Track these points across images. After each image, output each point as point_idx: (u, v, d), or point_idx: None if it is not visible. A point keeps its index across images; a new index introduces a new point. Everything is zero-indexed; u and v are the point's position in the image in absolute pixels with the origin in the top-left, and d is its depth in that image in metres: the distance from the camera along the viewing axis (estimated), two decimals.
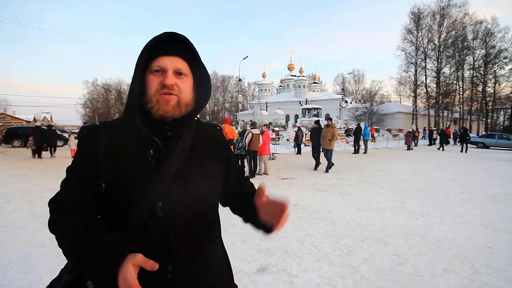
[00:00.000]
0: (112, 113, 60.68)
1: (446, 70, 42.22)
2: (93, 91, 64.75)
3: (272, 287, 2.50)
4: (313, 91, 60.46)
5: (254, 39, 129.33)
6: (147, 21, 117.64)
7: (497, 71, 38.09)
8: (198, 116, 0.96)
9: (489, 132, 31.13)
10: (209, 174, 0.88)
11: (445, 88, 41.45)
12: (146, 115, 0.80)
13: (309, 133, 11.30)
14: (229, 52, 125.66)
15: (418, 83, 42.64)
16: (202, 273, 0.82)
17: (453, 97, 42.15)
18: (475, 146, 22.59)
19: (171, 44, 0.82)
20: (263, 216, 0.85)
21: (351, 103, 49.41)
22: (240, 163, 8.15)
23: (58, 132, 19.51)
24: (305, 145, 17.11)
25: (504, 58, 36.90)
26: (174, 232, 0.77)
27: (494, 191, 6.41)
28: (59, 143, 17.61)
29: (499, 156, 15.65)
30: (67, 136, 20.31)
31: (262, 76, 67.82)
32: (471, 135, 24.51)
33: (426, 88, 42.22)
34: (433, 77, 42.11)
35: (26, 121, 35.41)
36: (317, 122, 10.00)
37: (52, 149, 13.47)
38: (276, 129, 27.99)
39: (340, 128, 27.39)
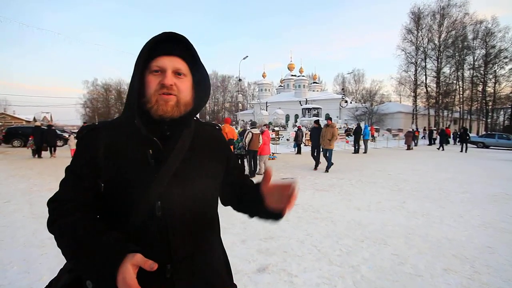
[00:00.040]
0: (112, 113, 60.67)
1: (446, 70, 42.30)
2: (93, 91, 64.82)
3: (272, 287, 2.50)
4: (313, 91, 60.47)
5: (254, 39, 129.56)
6: (147, 21, 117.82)
7: (497, 71, 38.12)
8: (198, 116, 0.96)
9: (489, 132, 31.13)
10: (209, 174, 0.88)
11: (445, 88, 41.45)
12: (145, 115, 0.80)
13: (309, 133, 11.30)
14: (229, 52, 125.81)
15: (418, 83, 42.65)
16: (201, 273, 0.82)
17: (453, 97, 42.15)
18: (475, 146, 22.59)
19: (170, 44, 0.82)
20: (270, 203, 0.84)
21: (351, 103, 49.41)
22: (240, 163, 8.15)
23: (58, 132, 19.51)
24: (305, 145, 17.11)
25: (504, 58, 36.90)
26: (173, 232, 0.77)
27: (494, 191, 6.41)
28: (59, 143, 17.60)
29: (499, 156, 15.65)
30: (67, 136, 20.32)
31: (262, 76, 67.83)
32: (471, 135, 24.53)
33: (426, 88, 42.23)
34: (433, 77, 42.11)
35: (26, 121, 35.42)
36: (317, 121, 10.00)
37: (52, 149, 13.47)
38: (276, 129, 28.00)
39: (340, 128, 27.39)
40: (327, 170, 8.90)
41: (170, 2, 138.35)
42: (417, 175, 8.52)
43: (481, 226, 4.11)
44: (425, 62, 42.25)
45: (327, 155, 9.03)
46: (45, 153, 13.33)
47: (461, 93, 42.38)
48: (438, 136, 21.09)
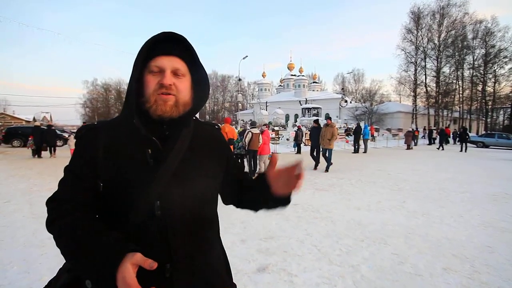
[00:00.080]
0: (112, 113, 60.66)
1: (446, 69, 42.30)
2: (93, 91, 64.83)
3: (272, 287, 2.50)
4: (313, 90, 60.46)
5: (254, 39, 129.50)
6: (147, 21, 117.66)
7: (496, 70, 38.09)
8: (197, 115, 0.96)
9: (488, 132, 31.14)
10: (208, 173, 0.88)
11: (444, 88, 41.44)
12: (144, 115, 0.80)
13: (309, 132, 11.31)
14: (229, 52, 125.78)
15: (418, 82, 42.64)
16: (201, 272, 0.82)
17: (452, 96, 42.15)
18: (475, 146, 22.59)
19: (169, 44, 0.82)
20: (277, 189, 0.86)
21: (350, 102, 49.43)
22: (239, 162, 8.14)
23: (58, 132, 19.51)
24: (305, 145, 17.11)
25: (504, 58, 36.88)
26: (172, 232, 0.77)
27: (494, 191, 6.41)
28: (58, 143, 17.60)
29: (499, 155, 15.66)
30: (66, 136, 20.33)
31: (262, 75, 67.82)
32: (470, 134, 24.53)
33: (425, 87, 42.23)
34: (433, 76, 42.12)
35: (26, 121, 35.38)
36: (316, 121, 10.00)
37: (52, 149, 13.47)
38: (276, 128, 28.00)
39: (340, 128, 27.40)
40: (327, 170, 8.90)
41: (170, 2, 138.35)
42: (417, 174, 8.52)
43: (481, 225, 4.11)
44: (425, 62, 42.29)
45: (327, 154, 9.03)
46: (45, 153, 13.33)
47: (460, 92, 42.39)
48: (438, 136, 21.09)
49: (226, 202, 1.05)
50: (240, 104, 45.16)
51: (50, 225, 0.76)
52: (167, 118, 0.80)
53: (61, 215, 0.75)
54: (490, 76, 38.67)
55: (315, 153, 9.50)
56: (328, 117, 10.96)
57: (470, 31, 39.59)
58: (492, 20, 37.71)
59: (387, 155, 14.67)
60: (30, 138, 13.24)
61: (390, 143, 22.43)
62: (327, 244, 3.39)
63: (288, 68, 66.30)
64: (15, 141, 19.07)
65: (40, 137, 12.91)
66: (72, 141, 12.85)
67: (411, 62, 42.66)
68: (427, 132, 25.86)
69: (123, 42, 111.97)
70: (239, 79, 41.23)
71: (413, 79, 42.78)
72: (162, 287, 0.70)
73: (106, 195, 0.79)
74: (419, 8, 41.60)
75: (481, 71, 39.06)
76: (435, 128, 30.41)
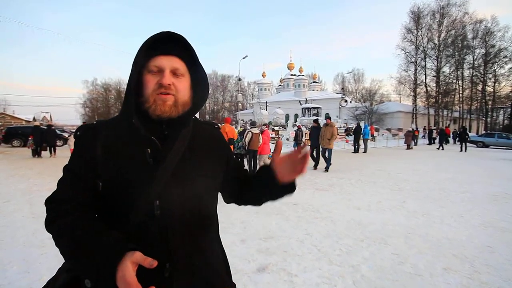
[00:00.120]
0: (112, 113, 60.64)
1: (446, 69, 42.33)
2: (93, 91, 64.85)
3: (272, 287, 2.50)
4: (313, 90, 60.50)
5: (254, 39, 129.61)
6: (147, 21, 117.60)
7: (496, 70, 38.11)
8: (197, 115, 0.96)
9: (488, 131, 31.13)
10: (208, 173, 0.88)
11: (444, 87, 41.47)
12: (143, 115, 0.80)
13: (309, 132, 11.30)
14: (229, 52, 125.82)
15: (418, 82, 42.67)
16: (200, 272, 0.82)
17: (452, 96, 42.16)
18: (475, 146, 22.59)
19: (168, 43, 0.81)
20: (282, 176, 0.87)
21: (350, 102, 49.42)
22: (239, 161, 8.15)
23: (58, 132, 19.51)
24: (305, 145, 17.09)
25: (504, 57, 36.90)
26: (172, 232, 0.77)
27: (494, 191, 6.41)
28: (58, 142, 17.60)
29: (499, 155, 15.66)
30: (66, 136, 20.34)
31: (262, 75, 67.86)
32: (470, 134, 24.51)
33: (425, 87, 42.26)
34: (433, 76, 42.15)
35: (26, 120, 35.41)
36: (316, 121, 9.99)
37: (52, 148, 13.46)
38: (276, 128, 28.00)
39: (340, 128, 27.40)
40: (327, 170, 8.90)
41: (170, 2, 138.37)
42: (417, 174, 8.52)
43: (481, 225, 4.11)
44: (425, 62, 42.33)
45: (326, 154, 9.03)
46: (45, 153, 13.33)
47: (460, 92, 42.41)
48: (438, 136, 21.09)
49: (227, 200, 1.06)
50: (240, 104, 45.17)
51: (49, 225, 0.76)
52: (166, 118, 0.80)
53: (60, 215, 0.75)
54: (490, 76, 38.70)
55: (314, 153, 9.50)
56: (328, 117, 10.95)
57: (470, 30, 39.67)
58: (492, 20, 37.80)
59: (387, 155, 14.67)
60: (30, 138, 13.24)
61: (390, 143, 22.43)
62: (327, 244, 3.39)
63: (288, 68, 66.35)
64: (15, 141, 19.09)
65: (40, 137, 12.91)
66: (72, 141, 12.84)
67: (411, 62, 42.70)
68: (427, 132, 25.86)
69: (123, 42, 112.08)
70: (239, 79, 41.25)
71: (413, 78, 42.83)
72: (161, 286, 0.70)
73: (105, 194, 0.78)
74: (419, 8, 41.69)
75: (481, 71, 39.07)
76: (435, 128, 30.41)
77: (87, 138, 0.82)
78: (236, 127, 17.51)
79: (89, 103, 64.53)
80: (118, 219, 0.76)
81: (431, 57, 42.00)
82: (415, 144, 21.69)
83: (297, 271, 2.76)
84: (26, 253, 3.13)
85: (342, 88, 57.50)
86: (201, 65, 0.88)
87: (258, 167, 8.40)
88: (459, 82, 41.94)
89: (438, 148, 19.10)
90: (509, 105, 36.66)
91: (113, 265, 0.62)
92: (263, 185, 0.93)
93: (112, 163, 0.78)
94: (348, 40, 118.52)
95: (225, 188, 1.00)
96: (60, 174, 0.82)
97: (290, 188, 0.91)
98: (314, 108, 39.67)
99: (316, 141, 9.29)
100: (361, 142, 15.75)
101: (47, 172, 8.65)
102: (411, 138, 19.18)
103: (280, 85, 69.23)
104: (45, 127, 14.15)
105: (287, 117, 50.62)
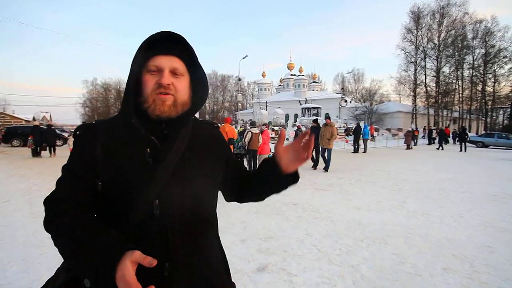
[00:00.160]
0: (112, 113, 60.62)
1: (446, 69, 42.36)
2: (93, 91, 64.86)
3: (271, 287, 2.50)
4: (313, 90, 60.54)
5: (254, 39, 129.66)
6: (147, 21, 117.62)
7: (496, 70, 38.14)
8: (197, 115, 0.95)
9: (488, 132, 31.14)
10: (207, 173, 0.88)
11: (444, 87, 41.48)
12: (142, 115, 0.80)
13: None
14: (229, 51, 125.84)
15: (418, 82, 42.68)
16: (200, 271, 0.82)
17: (452, 96, 42.18)
18: (475, 146, 22.60)
19: (167, 43, 0.81)
20: (286, 166, 0.88)
21: (350, 102, 49.45)
22: (239, 160, 8.16)
23: (58, 132, 19.49)
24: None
25: (503, 58, 36.93)
26: (172, 231, 0.77)
27: (494, 191, 6.41)
28: (58, 142, 17.59)
29: (499, 155, 15.66)
30: (66, 136, 20.33)
31: (262, 75, 67.87)
32: (470, 134, 24.51)
33: (425, 87, 42.26)
34: (433, 76, 42.17)
35: (26, 120, 35.40)
36: (315, 121, 9.99)
37: (52, 148, 13.46)
38: (276, 128, 28.00)
39: (339, 128, 27.40)
40: (326, 170, 8.90)
41: (170, 2, 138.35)
42: (417, 174, 8.52)
43: (480, 225, 4.11)
44: (425, 62, 42.35)
45: (326, 154, 9.03)
46: (44, 153, 13.32)
47: (460, 92, 42.42)
48: (438, 136, 21.09)
49: (228, 199, 1.06)
50: (240, 104, 45.15)
51: (48, 225, 0.76)
52: (166, 118, 0.80)
53: (59, 215, 0.75)
54: (490, 76, 38.73)
55: (314, 153, 9.49)
56: (327, 117, 10.95)
57: (470, 31, 39.69)
58: (492, 20, 37.83)
59: (387, 155, 14.67)
60: (30, 138, 13.24)
61: (389, 143, 22.42)
62: (327, 244, 3.39)
63: (288, 68, 66.38)
64: (15, 141, 19.06)
65: (39, 137, 12.91)
66: (71, 140, 12.85)
67: (411, 62, 42.72)
68: (426, 132, 25.87)
69: (123, 42, 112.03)
70: (239, 79, 41.25)
71: (413, 79, 42.85)
72: (161, 286, 0.70)
73: (105, 194, 0.78)
74: (419, 8, 41.72)
75: (481, 71, 39.09)
76: (434, 128, 30.42)
77: (86, 137, 0.82)
78: (236, 127, 17.51)
79: (89, 103, 64.56)
80: (117, 219, 0.76)
81: (431, 57, 42.04)
82: (415, 144, 21.69)
83: (297, 271, 2.76)
84: (25, 253, 3.12)
85: (342, 88, 57.53)
86: (200, 65, 0.88)
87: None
88: (459, 82, 41.98)
89: (438, 148, 19.10)
90: (509, 105, 36.66)
91: (112, 264, 0.62)
92: (267, 179, 0.93)
93: (111, 163, 0.78)
94: (348, 40, 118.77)
95: (226, 187, 1.00)
96: (60, 174, 0.82)
97: (293, 178, 0.91)
98: (314, 108, 39.71)
99: (316, 141, 9.29)
100: (360, 142, 15.74)
101: (47, 172, 8.65)
102: (410, 138, 19.19)
103: (280, 85, 69.25)
104: (45, 127, 14.14)
105: (287, 117, 50.66)
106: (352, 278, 2.63)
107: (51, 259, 2.90)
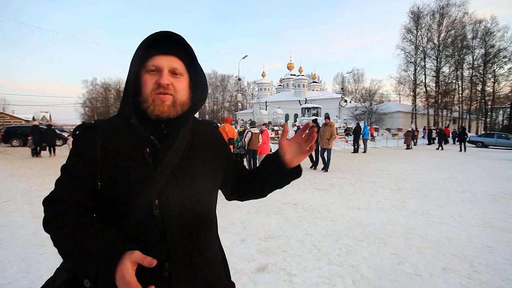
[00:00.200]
0: (112, 112, 60.58)
1: (446, 69, 42.34)
2: (92, 90, 64.81)
3: (271, 286, 2.50)
4: (313, 90, 60.57)
5: (254, 39, 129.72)
6: (147, 21, 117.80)
7: (496, 70, 38.15)
8: (197, 115, 0.95)
9: (488, 132, 31.14)
10: (207, 173, 0.88)
11: (444, 88, 41.47)
12: (141, 115, 0.80)
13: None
14: (229, 51, 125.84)
15: (418, 82, 42.66)
16: (199, 271, 0.82)
17: (452, 96, 42.18)
18: (474, 146, 22.61)
19: (166, 43, 0.81)
20: (290, 159, 0.90)
21: (350, 102, 49.48)
22: (238, 159, 8.17)
23: (58, 132, 19.46)
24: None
25: (503, 58, 36.92)
26: (171, 231, 0.77)
27: (494, 191, 6.41)
28: (58, 142, 17.58)
29: (498, 155, 15.67)
30: (66, 136, 20.31)
31: (262, 75, 67.87)
32: (470, 134, 24.51)
33: (425, 87, 42.25)
34: (433, 76, 42.16)
35: (25, 120, 35.36)
36: (315, 121, 10.00)
37: (52, 148, 13.45)
38: (276, 128, 28.00)
39: (339, 127, 27.41)
40: (326, 170, 8.90)
41: (171, 2, 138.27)
42: (416, 174, 8.53)
43: (480, 225, 4.11)
44: (425, 62, 42.33)
45: (326, 154, 9.02)
46: (44, 153, 13.32)
47: (460, 92, 42.42)
48: (437, 136, 21.09)
49: (229, 198, 1.07)
50: (239, 104, 45.11)
51: (47, 225, 0.76)
52: (165, 118, 0.80)
53: (59, 215, 0.75)
54: (490, 76, 38.75)
55: (313, 153, 9.49)
56: (327, 117, 10.95)
57: (470, 31, 39.65)
58: (491, 20, 37.80)
59: (387, 155, 14.67)
60: (29, 138, 13.23)
61: (389, 143, 22.42)
62: (327, 244, 3.39)
63: (287, 67, 66.37)
64: (15, 141, 19.05)
65: (39, 137, 12.90)
66: (71, 140, 12.79)
67: (411, 62, 42.70)
68: (426, 132, 25.88)
69: (123, 42, 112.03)
70: (239, 79, 41.21)
71: (412, 79, 42.82)
72: (160, 286, 0.70)
73: (104, 194, 0.78)
74: (418, 8, 41.69)
75: (481, 71, 39.09)
76: (434, 128, 30.42)
77: (85, 138, 0.82)
78: (236, 127, 17.51)
79: (89, 103, 64.53)
80: (117, 219, 0.76)
81: (431, 57, 42.02)
82: (415, 144, 21.70)
83: (297, 271, 2.76)
84: (25, 253, 3.12)
85: (342, 88, 57.52)
86: (199, 65, 0.88)
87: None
88: (459, 82, 41.97)
89: (438, 148, 19.11)
90: (509, 105, 36.64)
91: (112, 265, 0.62)
92: (270, 174, 0.94)
93: (111, 162, 0.78)
94: (348, 40, 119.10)
95: (226, 186, 1.00)
96: (60, 174, 0.82)
97: (296, 172, 0.93)
98: (314, 108, 39.72)
99: (315, 141, 9.27)
100: (360, 142, 15.75)
101: (46, 172, 8.65)
102: (410, 138, 19.19)
103: (280, 85, 69.25)
104: (45, 127, 14.13)
105: (286, 117, 50.68)
106: (352, 278, 2.63)
107: (51, 259, 2.90)
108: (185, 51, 0.84)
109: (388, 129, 33.92)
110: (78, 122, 44.57)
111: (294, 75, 63.01)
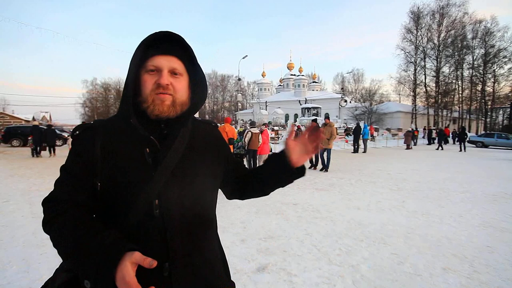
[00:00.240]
0: (112, 112, 60.56)
1: (446, 69, 42.31)
2: (92, 91, 64.82)
3: (271, 286, 2.50)
4: (313, 90, 60.58)
5: (254, 39, 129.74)
6: (147, 21, 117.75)
7: (496, 70, 38.13)
8: (197, 115, 0.96)
9: (488, 132, 31.13)
10: (207, 172, 0.88)
11: (444, 88, 41.46)
12: (141, 115, 0.79)
13: None
14: (229, 51, 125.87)
15: (418, 82, 42.64)
16: (199, 271, 0.82)
17: (452, 96, 42.17)
18: (474, 146, 22.61)
19: (166, 43, 0.81)
20: (295, 159, 0.90)
21: (350, 102, 49.49)
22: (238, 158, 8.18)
23: (58, 132, 19.46)
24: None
25: (503, 58, 36.90)
26: (171, 231, 0.77)
27: (494, 191, 6.41)
28: (58, 142, 17.58)
29: (498, 155, 15.67)
30: (66, 136, 20.30)
31: (262, 75, 67.88)
32: (470, 134, 24.51)
33: (425, 87, 42.23)
34: (433, 76, 42.13)
35: (25, 120, 35.36)
36: (314, 121, 9.96)
37: (52, 148, 13.45)
38: (276, 128, 28.00)
39: (339, 127, 27.41)
40: (326, 170, 8.90)
41: (171, 2, 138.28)
42: (416, 174, 8.53)
43: (480, 225, 4.11)
44: (425, 62, 42.30)
45: (325, 154, 9.02)
46: (44, 153, 13.32)
47: (460, 92, 42.40)
48: (437, 136, 21.09)
49: (229, 197, 1.07)
50: (239, 104, 45.10)
51: (47, 225, 0.76)
52: (165, 118, 0.80)
53: (59, 215, 0.75)
54: (490, 76, 38.73)
55: None
56: (326, 117, 10.95)
57: (470, 31, 39.62)
58: (491, 20, 37.78)
59: (387, 155, 14.68)
60: (30, 138, 13.23)
61: (389, 143, 22.43)
62: (327, 244, 3.39)
63: (287, 67, 66.39)
64: (15, 141, 19.04)
65: (39, 137, 12.90)
66: (71, 140, 12.83)
67: (411, 62, 42.68)
68: (426, 132, 25.88)
69: (123, 42, 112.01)
70: (239, 79, 41.20)
71: (412, 79, 42.79)
72: (160, 286, 0.70)
73: (104, 194, 0.78)
74: (418, 8, 41.65)
75: (481, 71, 39.08)
76: (434, 128, 30.41)
77: (85, 138, 0.81)
78: (236, 127, 17.50)
79: (89, 103, 64.53)
80: (117, 219, 0.76)
81: (431, 57, 42.00)
82: (415, 144, 21.70)
83: (297, 271, 2.76)
84: (25, 253, 3.12)
85: (342, 88, 57.51)
86: (199, 65, 0.88)
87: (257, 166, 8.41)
88: (459, 82, 41.95)
89: (438, 148, 19.11)
90: (509, 105, 36.62)
91: (112, 265, 0.62)
92: (275, 173, 0.95)
93: (111, 163, 0.78)
94: (348, 40, 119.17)
95: (226, 185, 1.01)
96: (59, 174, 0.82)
97: (300, 171, 0.93)
98: (314, 108, 39.72)
99: None
100: (360, 142, 15.75)
101: (46, 172, 8.65)
102: (410, 138, 19.20)
103: (280, 85, 69.25)
104: (45, 127, 14.13)
105: (286, 117, 50.70)
106: (352, 278, 2.63)
107: (51, 259, 2.90)
108: (185, 51, 0.84)
109: (388, 129, 33.92)
110: (78, 122, 44.57)
111: (294, 75, 63.02)
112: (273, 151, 13.77)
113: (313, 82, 63.17)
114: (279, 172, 0.94)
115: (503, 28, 36.78)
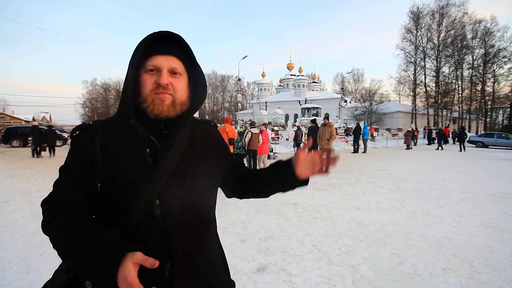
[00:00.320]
0: (112, 113, 60.33)
1: (445, 69, 42.34)
2: (92, 91, 64.82)
3: (271, 287, 2.50)
4: (313, 90, 60.58)
5: (254, 39, 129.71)
6: (147, 21, 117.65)
7: (496, 70, 38.15)
8: (197, 114, 0.96)
9: (488, 132, 31.13)
10: (207, 172, 0.88)
11: (444, 87, 41.47)
12: (141, 115, 0.79)
13: (307, 132, 11.30)
14: (229, 51, 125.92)
15: (417, 82, 42.65)
16: (200, 270, 0.82)
17: (452, 96, 42.18)
18: (474, 146, 22.61)
19: (166, 43, 0.81)
20: (301, 172, 0.91)
21: (350, 102, 49.49)
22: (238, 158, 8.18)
23: (58, 132, 19.46)
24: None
25: (503, 57, 36.93)
26: (172, 231, 0.77)
27: (494, 191, 6.41)
28: (58, 142, 17.57)
29: (498, 155, 15.66)
30: (66, 136, 20.30)
31: (262, 75, 67.88)
32: (470, 134, 24.51)
33: (425, 87, 42.24)
34: (432, 76, 42.15)
35: (25, 120, 35.35)
36: (314, 121, 10.01)
37: (52, 149, 13.45)
38: (276, 128, 28.00)
39: (339, 128, 27.41)
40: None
41: (171, 2, 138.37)
42: (416, 174, 8.52)
43: (480, 225, 4.11)
44: (424, 62, 42.32)
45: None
46: (44, 153, 13.32)
47: (460, 92, 42.41)
48: (437, 136, 21.09)
49: (229, 196, 1.08)
50: (239, 104, 45.08)
51: (46, 226, 0.75)
52: (164, 117, 0.80)
53: (59, 215, 0.74)
54: (490, 76, 38.75)
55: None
56: (326, 117, 10.96)
57: (470, 31, 39.65)
58: (491, 20, 37.82)
59: (387, 155, 14.68)
60: (30, 138, 13.23)
61: (389, 143, 22.44)
62: (327, 244, 3.39)
63: (287, 68, 66.37)
64: (15, 141, 19.03)
65: (39, 137, 12.90)
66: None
67: (411, 62, 42.69)
68: (426, 132, 25.88)
69: (123, 42, 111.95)
70: (239, 79, 41.20)
71: (412, 79, 42.80)
72: (162, 286, 0.70)
73: (104, 195, 0.78)
74: (418, 8, 41.68)
75: (481, 71, 39.09)
76: (434, 128, 30.41)
77: (85, 138, 0.81)
78: (236, 127, 17.51)
79: (89, 103, 64.53)
80: (117, 219, 0.76)
81: (431, 57, 42.02)
82: (415, 144, 21.70)
83: (297, 271, 2.76)
84: (25, 253, 3.12)
85: (342, 88, 57.50)
86: (198, 65, 0.88)
87: (257, 166, 8.42)
88: (459, 82, 41.97)
89: (438, 148, 19.11)
90: (509, 105, 36.62)
91: (114, 266, 0.62)
92: (279, 178, 0.96)
93: (111, 163, 0.78)
94: (348, 40, 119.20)
95: (226, 185, 1.01)
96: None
97: (304, 181, 0.95)
98: (314, 108, 39.75)
99: (314, 141, 9.29)
100: (360, 142, 15.75)
101: (46, 172, 8.64)
102: (410, 138, 19.20)
103: (280, 85, 69.25)
104: (45, 127, 14.12)
105: (286, 117, 50.70)
106: (352, 278, 2.63)
107: (51, 259, 2.90)
108: (184, 51, 0.84)
109: (388, 129, 33.91)
110: (78, 122, 44.53)
111: (294, 75, 63.00)
112: (273, 151, 13.76)
113: (313, 82, 63.17)
114: (283, 179, 0.95)
115: (503, 28, 36.88)
